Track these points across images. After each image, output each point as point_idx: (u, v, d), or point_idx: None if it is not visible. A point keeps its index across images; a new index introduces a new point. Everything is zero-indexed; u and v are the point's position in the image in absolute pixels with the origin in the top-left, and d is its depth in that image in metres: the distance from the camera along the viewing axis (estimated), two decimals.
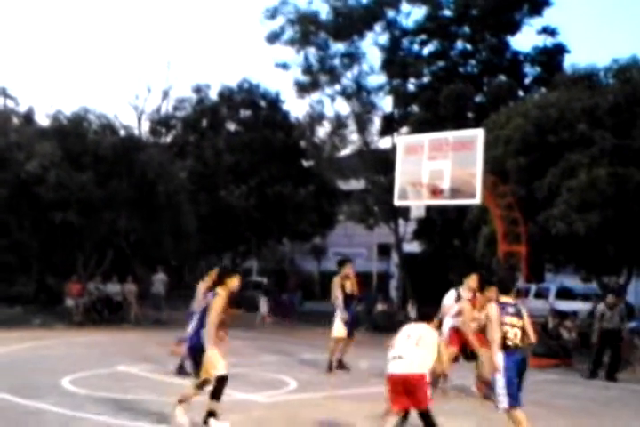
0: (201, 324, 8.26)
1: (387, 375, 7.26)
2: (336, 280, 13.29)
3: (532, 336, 7.88)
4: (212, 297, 8.28)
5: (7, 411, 8.93)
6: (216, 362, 8.06)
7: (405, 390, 7.07)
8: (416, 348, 7.18)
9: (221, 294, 8.24)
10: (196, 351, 8.21)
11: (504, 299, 7.91)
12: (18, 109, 25.15)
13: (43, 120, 25.90)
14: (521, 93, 27.38)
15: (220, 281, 8.39)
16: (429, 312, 8.49)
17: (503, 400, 7.49)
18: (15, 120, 24.82)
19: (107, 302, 24.25)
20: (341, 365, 13.34)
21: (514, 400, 7.48)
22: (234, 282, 8.41)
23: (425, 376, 7.08)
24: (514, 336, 7.63)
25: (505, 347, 7.58)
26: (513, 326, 7.65)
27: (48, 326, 21.15)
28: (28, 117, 25.84)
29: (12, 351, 14.99)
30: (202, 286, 10.03)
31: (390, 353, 7.28)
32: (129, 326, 22.41)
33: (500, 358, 7.55)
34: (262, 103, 34.03)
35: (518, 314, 7.78)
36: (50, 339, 17.81)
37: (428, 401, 7.06)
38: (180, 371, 11.39)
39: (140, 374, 12.25)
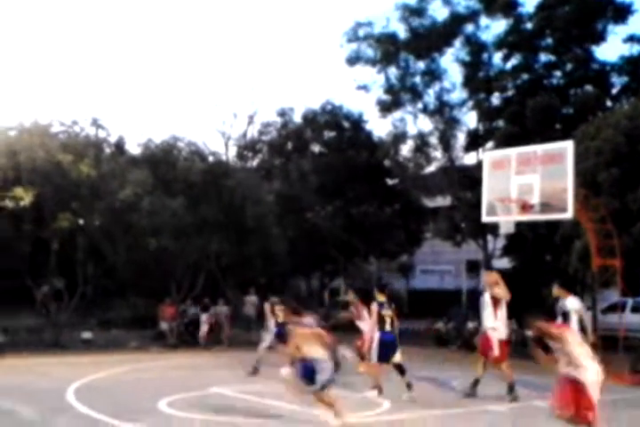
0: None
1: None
2: None
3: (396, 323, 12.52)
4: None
5: None
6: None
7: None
8: None
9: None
10: None
11: (381, 299, 12.48)
12: (109, 139, 25.90)
13: (133, 149, 26.59)
14: (609, 104, 26.73)
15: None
16: None
17: (373, 357, 12.27)
18: (107, 150, 25.54)
19: (199, 325, 24.59)
20: None
21: (379, 360, 12.23)
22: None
23: None
24: (387, 323, 12.26)
25: (382, 329, 12.24)
26: (389, 316, 12.32)
27: (144, 349, 21.64)
28: (119, 147, 26.46)
29: (112, 375, 15.40)
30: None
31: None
32: (221, 347, 22.68)
33: (377, 335, 12.26)
34: (346, 124, 34.21)
35: (391, 308, 12.46)
36: (146, 362, 18.24)
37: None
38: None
39: (235, 396, 12.40)
